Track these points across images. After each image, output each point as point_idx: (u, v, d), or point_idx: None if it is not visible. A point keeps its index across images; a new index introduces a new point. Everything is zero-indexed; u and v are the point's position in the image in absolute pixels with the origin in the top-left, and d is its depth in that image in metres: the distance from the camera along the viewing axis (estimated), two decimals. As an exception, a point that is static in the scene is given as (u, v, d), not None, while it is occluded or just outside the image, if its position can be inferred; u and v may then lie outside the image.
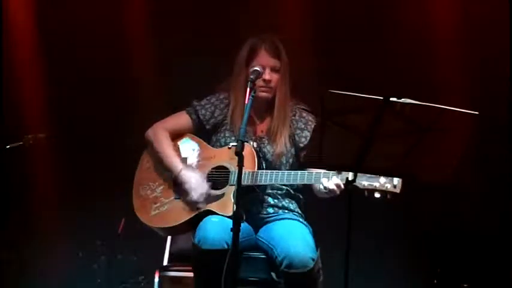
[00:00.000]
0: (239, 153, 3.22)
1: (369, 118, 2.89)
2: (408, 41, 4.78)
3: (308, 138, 3.70)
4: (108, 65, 5.02)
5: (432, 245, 4.82)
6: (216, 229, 3.44)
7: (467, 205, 4.75)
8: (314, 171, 3.55)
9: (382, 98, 2.83)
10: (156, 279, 3.89)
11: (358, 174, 3.14)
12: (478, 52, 4.71)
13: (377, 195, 3.22)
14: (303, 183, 3.62)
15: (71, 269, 5.00)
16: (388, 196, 3.22)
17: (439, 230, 4.82)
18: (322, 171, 3.51)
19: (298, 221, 3.73)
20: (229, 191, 3.61)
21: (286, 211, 3.77)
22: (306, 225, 3.73)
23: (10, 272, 5.01)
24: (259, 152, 3.71)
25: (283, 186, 3.77)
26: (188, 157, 3.79)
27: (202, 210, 3.62)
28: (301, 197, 3.83)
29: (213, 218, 3.54)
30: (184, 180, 3.67)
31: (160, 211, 3.74)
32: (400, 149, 2.96)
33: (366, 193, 3.23)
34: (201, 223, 3.52)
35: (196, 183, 3.64)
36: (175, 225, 3.69)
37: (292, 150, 3.78)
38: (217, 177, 3.69)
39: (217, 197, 3.64)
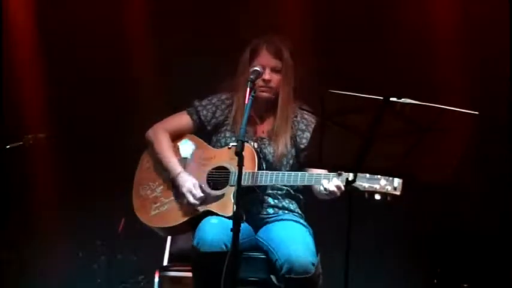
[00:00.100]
0: (239, 154, 3.21)
1: (369, 118, 2.89)
2: (408, 41, 4.78)
3: (309, 139, 3.70)
4: (108, 65, 5.01)
5: (432, 245, 4.82)
6: (215, 231, 3.44)
7: (467, 205, 4.75)
8: (314, 173, 3.55)
9: (382, 98, 2.83)
10: (156, 279, 3.88)
11: (359, 176, 3.15)
12: (478, 52, 4.71)
13: (377, 197, 3.22)
14: (303, 184, 3.61)
15: (71, 269, 5.00)
16: (389, 198, 3.22)
17: (439, 230, 4.82)
18: (323, 172, 3.51)
19: (299, 222, 3.73)
20: (229, 191, 3.61)
21: (287, 211, 3.77)
22: (306, 227, 3.72)
23: (10, 272, 5.01)
24: (259, 152, 3.71)
25: (284, 187, 3.77)
26: (188, 158, 3.79)
27: (201, 211, 3.62)
28: (301, 197, 3.82)
29: (212, 220, 3.54)
30: (180, 184, 3.67)
31: (160, 211, 3.74)
32: (400, 149, 2.96)
33: (366, 195, 3.23)
34: (200, 225, 3.52)
35: (191, 187, 3.64)
36: (175, 225, 3.70)
37: (293, 151, 3.78)
38: (217, 178, 3.69)
39: (217, 198, 3.64)
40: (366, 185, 3.24)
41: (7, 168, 4.85)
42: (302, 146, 3.76)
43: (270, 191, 3.76)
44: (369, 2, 4.89)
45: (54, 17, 5.07)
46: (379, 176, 3.24)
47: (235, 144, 3.29)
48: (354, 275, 3.07)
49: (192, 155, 3.79)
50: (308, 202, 3.83)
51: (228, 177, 3.66)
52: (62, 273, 5.03)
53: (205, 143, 3.83)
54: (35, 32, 5.10)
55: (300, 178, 3.56)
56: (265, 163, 3.70)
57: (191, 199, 3.62)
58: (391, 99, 2.84)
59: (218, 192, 3.65)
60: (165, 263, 4.01)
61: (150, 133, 3.87)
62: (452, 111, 2.84)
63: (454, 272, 4.79)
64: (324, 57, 4.76)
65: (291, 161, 3.77)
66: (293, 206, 3.79)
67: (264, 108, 3.80)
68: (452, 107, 2.84)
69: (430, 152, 2.94)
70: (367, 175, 3.25)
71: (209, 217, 3.56)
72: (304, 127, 3.79)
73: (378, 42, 4.81)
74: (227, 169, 3.68)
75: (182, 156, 3.80)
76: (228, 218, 3.46)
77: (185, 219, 3.67)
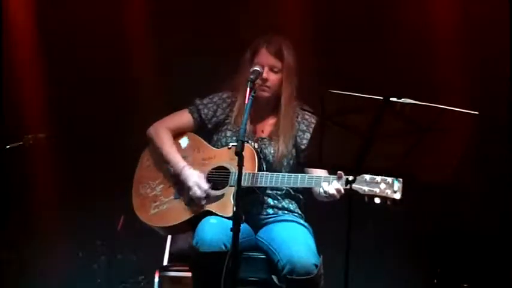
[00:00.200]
0: (239, 154, 3.21)
1: (369, 118, 2.89)
2: (408, 41, 4.78)
3: (309, 139, 3.70)
4: (108, 65, 5.02)
5: (432, 245, 4.82)
6: (214, 231, 3.44)
7: (467, 205, 4.75)
8: (314, 174, 3.55)
9: (382, 98, 2.83)
10: (156, 279, 3.88)
11: (359, 179, 3.15)
12: (478, 52, 4.71)
13: (377, 200, 3.23)
14: (303, 186, 3.61)
15: (71, 269, 5.00)
16: (388, 202, 3.23)
17: (439, 230, 4.82)
18: (323, 175, 3.52)
19: (299, 223, 3.73)
20: (229, 191, 3.60)
21: (286, 212, 3.77)
22: (306, 227, 3.72)
23: (10, 272, 5.01)
24: (259, 152, 3.71)
25: (283, 187, 3.76)
26: (188, 156, 3.79)
27: (201, 210, 3.62)
28: (301, 197, 3.82)
29: (211, 220, 3.54)
30: (186, 177, 3.66)
31: (160, 210, 3.74)
32: (400, 149, 2.96)
33: (366, 199, 3.24)
34: (199, 224, 3.52)
35: (198, 180, 3.63)
36: (175, 224, 3.70)
37: (293, 151, 3.78)
38: (217, 178, 3.69)
39: (217, 198, 3.64)
40: (366, 188, 3.25)
41: (7, 168, 4.85)
42: (302, 147, 3.75)
43: (270, 192, 3.76)
44: (368, 2, 4.90)
45: (54, 17, 5.07)
46: (378, 180, 3.24)
47: (235, 144, 3.29)
48: (354, 275, 3.07)
49: (192, 154, 3.78)
50: (308, 202, 3.83)
51: (228, 177, 3.66)
52: (62, 273, 5.03)
53: (205, 142, 3.83)
54: (35, 32, 5.10)
55: (300, 180, 3.55)
56: (266, 163, 3.70)
57: (198, 192, 3.61)
58: (391, 99, 2.84)
59: (218, 193, 3.65)
60: (165, 263, 4.01)
61: (151, 130, 3.87)
62: (452, 111, 2.84)
63: (454, 272, 4.79)
64: (324, 57, 4.77)
65: (291, 162, 3.77)
66: (293, 206, 3.79)
67: (265, 108, 3.80)
68: (452, 107, 2.84)
69: (430, 152, 2.95)
70: (367, 178, 3.26)
71: (208, 217, 3.56)
72: (305, 127, 3.79)
73: (378, 42, 4.82)
74: (227, 169, 3.68)
75: (182, 155, 3.79)
76: (228, 218, 3.46)
77: (185, 218, 3.67)
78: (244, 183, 3.50)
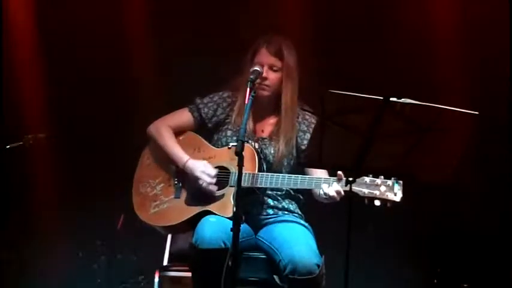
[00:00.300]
0: (239, 154, 3.21)
1: (369, 118, 2.89)
2: (408, 41, 4.78)
3: (309, 139, 3.69)
4: (108, 65, 5.02)
5: (432, 245, 4.82)
6: (214, 228, 3.44)
7: (467, 205, 4.75)
8: (315, 176, 3.55)
9: (382, 98, 2.84)
10: (156, 279, 3.88)
11: (359, 182, 3.16)
12: (478, 52, 4.71)
13: (377, 203, 3.23)
14: (303, 187, 3.61)
15: (71, 269, 5.01)
16: (388, 204, 3.23)
17: (439, 230, 4.82)
18: (323, 175, 3.52)
19: (299, 223, 3.72)
20: (229, 192, 3.60)
21: (286, 212, 3.76)
22: (307, 228, 3.72)
23: (10, 272, 5.01)
24: (260, 153, 3.71)
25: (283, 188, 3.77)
26: (188, 155, 3.78)
27: (202, 210, 3.62)
28: (301, 197, 3.82)
29: (210, 218, 3.53)
30: (192, 169, 3.66)
31: (160, 209, 3.74)
32: (400, 149, 2.96)
33: (366, 201, 3.24)
34: (199, 223, 3.52)
35: (203, 168, 3.63)
36: (175, 224, 3.69)
37: (294, 151, 3.78)
38: (217, 178, 3.68)
39: (217, 198, 3.64)
40: (366, 191, 3.25)
41: (7, 168, 4.85)
42: (303, 147, 3.75)
43: (270, 192, 3.75)
44: (369, 2, 4.90)
45: (54, 17, 5.07)
46: (378, 182, 3.24)
47: (235, 144, 3.29)
48: (354, 275, 3.07)
49: (191, 153, 3.78)
50: (308, 202, 3.83)
51: (228, 177, 3.66)
52: (62, 273, 5.03)
53: (205, 142, 3.82)
54: (35, 32, 5.10)
55: (300, 181, 3.55)
56: (266, 163, 3.70)
57: (208, 179, 3.61)
58: (391, 99, 2.84)
59: (218, 193, 3.65)
60: (165, 263, 4.01)
61: (152, 128, 3.86)
62: (452, 111, 2.84)
63: (454, 272, 4.79)
64: (324, 57, 4.77)
65: (291, 162, 3.77)
66: (293, 206, 3.79)
67: (265, 108, 3.79)
68: (452, 107, 2.84)
69: (430, 152, 2.95)
70: (367, 180, 3.25)
71: (208, 216, 3.56)
72: (305, 128, 3.78)
73: (378, 42, 4.82)
74: (227, 169, 3.68)
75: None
76: (228, 218, 3.46)
77: (185, 218, 3.66)
78: (244, 183, 3.49)
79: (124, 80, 5.05)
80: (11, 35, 5.05)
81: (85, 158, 5.02)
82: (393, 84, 4.60)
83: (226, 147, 3.74)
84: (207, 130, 3.85)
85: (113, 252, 4.86)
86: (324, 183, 3.45)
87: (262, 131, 3.81)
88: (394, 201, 3.22)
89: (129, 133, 4.62)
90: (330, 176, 3.51)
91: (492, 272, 4.72)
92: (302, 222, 3.75)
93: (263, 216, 3.74)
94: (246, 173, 3.52)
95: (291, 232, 3.62)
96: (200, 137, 3.84)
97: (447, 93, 4.61)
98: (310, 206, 3.84)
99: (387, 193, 3.23)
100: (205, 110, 3.84)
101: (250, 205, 3.69)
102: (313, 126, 3.73)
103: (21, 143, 4.41)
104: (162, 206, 3.74)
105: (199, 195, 3.66)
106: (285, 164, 3.75)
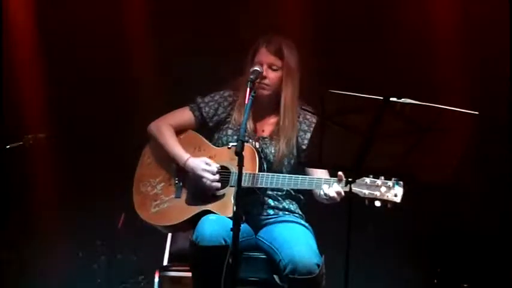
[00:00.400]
0: (239, 153, 3.21)
1: (369, 118, 2.89)
2: (408, 41, 4.78)
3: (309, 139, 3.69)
4: (108, 65, 5.02)
5: (432, 245, 4.82)
6: (214, 226, 3.44)
7: (467, 205, 4.75)
8: (315, 176, 3.55)
9: (382, 98, 2.84)
10: (156, 279, 3.88)
11: (360, 182, 3.15)
12: (478, 52, 4.71)
13: (377, 204, 3.23)
14: (303, 188, 3.61)
15: (71, 269, 5.00)
16: (389, 205, 3.23)
17: (439, 230, 4.82)
18: (324, 175, 3.52)
19: (300, 223, 3.73)
20: (230, 192, 3.60)
21: (287, 213, 3.76)
22: (307, 228, 3.72)
23: (10, 272, 5.01)
24: (260, 152, 3.71)
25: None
26: (188, 154, 3.78)
27: (202, 210, 3.62)
28: (301, 197, 3.82)
29: (210, 216, 3.54)
30: (193, 167, 3.66)
31: (161, 208, 3.74)
32: (400, 149, 2.96)
33: (366, 202, 3.24)
34: (199, 222, 3.52)
35: (205, 166, 3.63)
36: (175, 223, 3.69)
37: (294, 151, 3.78)
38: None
39: (218, 198, 3.64)
40: (366, 191, 3.25)
41: (7, 168, 4.84)
42: (303, 147, 3.74)
43: (270, 192, 3.75)
44: (369, 2, 4.90)
45: (54, 17, 5.07)
46: (379, 183, 3.24)
47: (235, 144, 3.29)
48: (354, 275, 3.07)
49: (192, 152, 3.78)
50: (308, 203, 3.83)
51: (229, 177, 3.66)
52: (62, 273, 5.03)
53: (205, 141, 3.82)
54: (35, 32, 5.10)
55: (300, 182, 3.56)
56: (266, 163, 3.70)
57: (210, 177, 3.61)
58: (391, 99, 2.84)
59: (219, 192, 3.65)
60: (165, 263, 4.01)
61: (153, 127, 3.85)
62: (452, 111, 2.84)
63: (454, 272, 4.79)
64: (324, 57, 4.76)
65: (292, 161, 3.77)
66: (293, 206, 3.79)
67: (266, 108, 3.79)
68: (452, 107, 2.84)
69: (430, 152, 2.95)
70: (368, 181, 3.26)
71: (208, 214, 3.56)
72: (306, 128, 3.78)
73: (378, 42, 4.82)
74: (228, 169, 3.68)
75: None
76: (228, 218, 3.46)
77: (185, 217, 3.66)
78: (245, 183, 3.50)
79: (124, 80, 5.05)
80: (11, 35, 5.05)
81: (85, 158, 5.02)
82: (393, 84, 4.60)
83: (226, 147, 3.74)
84: (208, 129, 3.85)
85: (113, 252, 4.86)
86: (324, 183, 3.45)
87: (263, 130, 3.82)
88: (394, 202, 3.22)
89: (129, 133, 4.62)
90: (330, 176, 3.52)
91: (492, 272, 4.72)
92: (302, 222, 3.75)
93: (263, 217, 3.74)
94: (246, 173, 3.52)
95: (291, 232, 3.62)
96: (201, 136, 3.84)
97: (447, 93, 4.61)
98: (311, 207, 3.84)
99: (387, 194, 3.23)
100: (207, 109, 3.84)
101: (251, 205, 3.69)
102: (313, 125, 3.73)
103: (21, 143, 4.41)
104: (163, 206, 3.74)
105: (200, 195, 3.67)
106: (286, 163, 3.75)
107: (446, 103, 2.85)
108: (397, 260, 4.80)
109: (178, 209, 3.69)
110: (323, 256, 3.50)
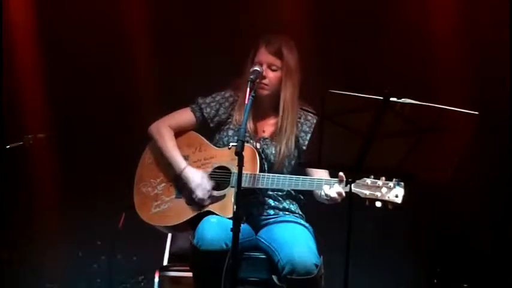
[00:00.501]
0: (239, 154, 3.21)
1: (369, 118, 2.89)
2: (408, 41, 4.77)
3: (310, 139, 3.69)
4: (108, 65, 5.01)
5: (432, 245, 4.82)
6: (215, 230, 3.44)
7: (467, 205, 4.74)
8: (316, 176, 3.55)
9: (382, 98, 2.84)
10: (156, 279, 3.88)
11: (360, 183, 3.16)
12: (478, 52, 4.71)
13: (378, 204, 3.23)
14: (304, 188, 3.61)
15: (71, 269, 5.00)
16: (390, 206, 3.23)
17: (439, 230, 4.82)
18: (324, 176, 3.52)
19: (300, 223, 3.72)
20: (230, 192, 3.60)
21: (287, 213, 3.76)
22: (307, 228, 3.72)
23: (10, 272, 5.01)
24: (261, 153, 3.70)
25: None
26: (189, 155, 3.79)
27: (203, 210, 3.62)
28: (302, 197, 3.82)
29: (211, 219, 3.54)
30: (188, 179, 3.66)
31: (161, 209, 3.74)
32: (400, 149, 2.96)
33: (367, 202, 3.24)
34: (199, 224, 3.52)
35: (199, 181, 3.63)
36: (176, 224, 3.69)
37: (295, 152, 3.78)
38: (218, 178, 3.69)
39: (218, 198, 3.64)
40: (367, 192, 3.25)
41: (7, 168, 4.84)
42: (304, 148, 3.74)
43: (271, 193, 3.75)
44: (369, 2, 4.89)
45: (54, 17, 5.07)
46: (380, 184, 3.25)
47: (235, 144, 3.29)
48: (354, 275, 3.07)
49: (192, 153, 3.78)
50: (309, 203, 3.83)
51: (229, 177, 3.66)
52: (62, 273, 5.02)
53: (206, 141, 3.82)
54: (35, 32, 5.09)
55: (301, 183, 3.56)
56: (267, 163, 3.70)
57: (200, 195, 3.61)
58: (391, 99, 2.84)
59: (220, 193, 3.65)
60: (165, 263, 4.01)
61: (153, 128, 3.86)
62: (452, 111, 2.84)
63: (454, 272, 4.78)
64: (324, 57, 4.76)
65: (292, 162, 3.77)
66: (294, 207, 3.79)
67: (266, 108, 3.79)
68: (452, 107, 2.84)
69: (430, 152, 2.94)
70: (368, 182, 3.26)
71: (209, 216, 3.56)
72: (307, 129, 3.78)
73: (378, 42, 4.81)
74: (228, 169, 3.67)
75: (183, 155, 3.79)
76: (229, 219, 3.46)
77: (186, 218, 3.67)
78: (245, 184, 3.50)
79: (124, 80, 5.05)
80: (11, 35, 5.04)
81: (85, 158, 5.01)
82: (393, 84, 4.59)
83: (226, 148, 3.74)
84: (209, 130, 3.85)
85: (113, 252, 4.85)
86: (325, 184, 3.44)
87: (264, 131, 3.81)
88: (395, 203, 3.22)
89: (129, 133, 4.61)
90: (331, 176, 3.51)
91: (492, 272, 4.72)
92: (302, 222, 3.75)
93: (264, 217, 3.74)
94: (246, 174, 3.52)
95: (291, 232, 3.62)
96: (201, 137, 3.84)
97: (447, 93, 4.61)
98: (311, 207, 3.83)
99: (388, 195, 3.23)
100: (208, 109, 3.84)
101: (251, 205, 3.69)
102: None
103: (21, 143, 4.40)
104: (163, 206, 3.74)
105: (196, 202, 3.68)
106: (286, 164, 3.75)
107: (446, 103, 2.85)
108: (397, 260, 4.80)
109: (179, 210, 3.69)
110: (321, 256, 3.50)
